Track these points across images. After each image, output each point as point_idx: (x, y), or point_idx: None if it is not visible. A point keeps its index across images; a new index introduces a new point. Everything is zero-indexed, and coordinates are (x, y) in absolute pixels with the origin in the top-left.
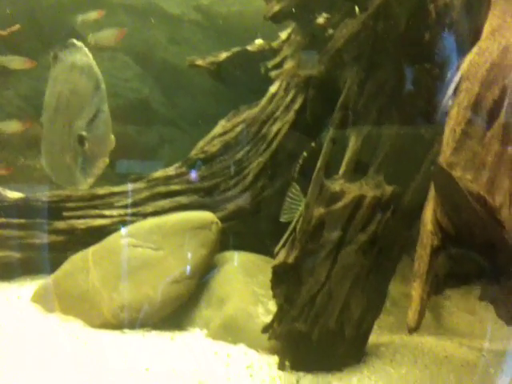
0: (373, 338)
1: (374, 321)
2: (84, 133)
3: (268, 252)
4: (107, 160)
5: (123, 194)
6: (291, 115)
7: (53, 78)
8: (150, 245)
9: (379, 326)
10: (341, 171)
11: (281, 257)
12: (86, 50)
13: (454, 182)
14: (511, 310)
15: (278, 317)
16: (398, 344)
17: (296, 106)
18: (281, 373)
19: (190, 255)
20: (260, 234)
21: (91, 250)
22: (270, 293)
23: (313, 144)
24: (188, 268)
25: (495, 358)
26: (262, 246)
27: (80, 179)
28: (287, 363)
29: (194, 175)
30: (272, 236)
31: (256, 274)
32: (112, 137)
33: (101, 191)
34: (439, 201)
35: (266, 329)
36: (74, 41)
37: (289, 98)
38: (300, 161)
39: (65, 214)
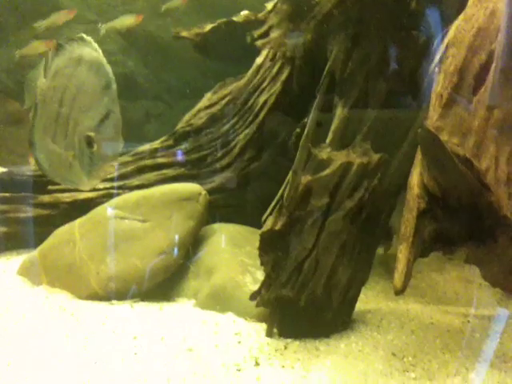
0: (360, 306)
1: (360, 287)
2: (93, 134)
3: (255, 224)
4: (115, 164)
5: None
6: (278, 86)
7: (54, 68)
8: (137, 217)
9: (366, 295)
10: (328, 140)
11: (268, 224)
12: (95, 45)
13: (441, 145)
14: (497, 273)
15: (266, 284)
16: (384, 311)
17: (283, 76)
18: (269, 339)
19: (177, 227)
20: (248, 207)
21: (77, 222)
22: (258, 263)
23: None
24: (176, 239)
25: (481, 324)
26: (249, 218)
27: (82, 180)
28: (275, 330)
29: (180, 155)
30: (260, 208)
31: (244, 244)
32: (121, 139)
33: None
34: (426, 164)
35: (254, 296)
36: (83, 35)
37: (275, 69)
38: (293, 137)
39: (50, 187)
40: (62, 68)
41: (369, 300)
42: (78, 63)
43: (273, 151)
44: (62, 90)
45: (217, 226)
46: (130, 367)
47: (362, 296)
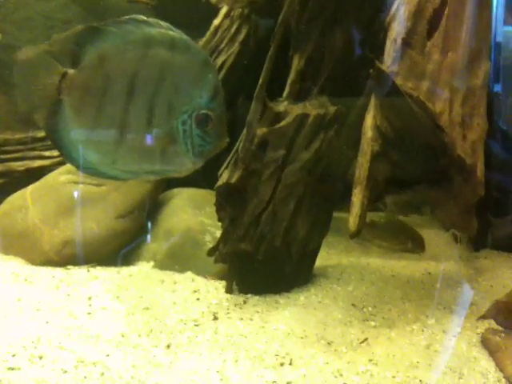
0: (321, 262)
1: (320, 241)
2: (208, 112)
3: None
4: (228, 139)
5: None
6: (236, 46)
7: (99, 55)
8: (92, 181)
9: (328, 253)
10: (284, 93)
11: (224, 177)
12: (166, 23)
13: (393, 84)
14: (453, 213)
15: (223, 239)
16: (345, 265)
17: (241, 37)
18: (228, 295)
19: (134, 190)
20: (209, 170)
21: (30, 188)
22: (218, 223)
23: None
24: (133, 202)
25: (442, 275)
26: (210, 181)
27: (187, 165)
28: (234, 286)
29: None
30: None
31: (204, 206)
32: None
33: (40, 134)
34: (379, 105)
35: (212, 251)
36: (142, 16)
37: (233, 30)
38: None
39: (2, 156)
40: (114, 53)
41: (331, 257)
42: (146, 44)
43: (232, 113)
44: (126, 77)
45: (177, 190)
46: (82, 326)
47: (323, 253)
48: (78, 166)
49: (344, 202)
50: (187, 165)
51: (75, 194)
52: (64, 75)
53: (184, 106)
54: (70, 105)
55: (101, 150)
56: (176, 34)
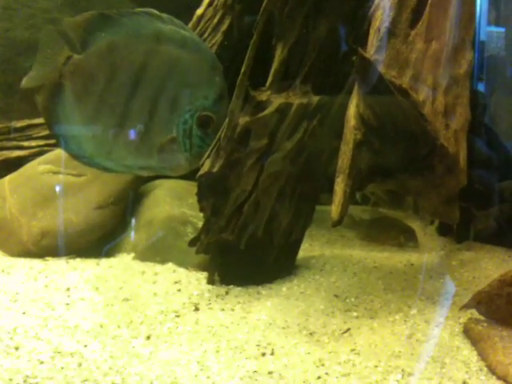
0: (304, 254)
1: (303, 232)
2: (211, 114)
3: None
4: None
5: (43, 125)
6: (219, 36)
7: (106, 43)
8: (71, 171)
9: (311, 245)
10: (267, 83)
11: (206, 167)
12: (179, 21)
13: (376, 72)
14: (435, 203)
15: (205, 228)
16: (328, 257)
17: (224, 26)
18: (210, 287)
19: (114, 180)
20: None
21: (7, 178)
22: (201, 215)
23: None
24: (113, 193)
25: (425, 266)
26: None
27: (182, 164)
28: (216, 277)
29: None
30: None
31: (186, 197)
32: None
33: (19, 124)
34: (362, 93)
35: (193, 242)
36: (155, 11)
37: (216, 20)
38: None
39: None
40: (124, 44)
41: (314, 249)
42: (156, 39)
43: None
44: (132, 69)
45: (158, 181)
46: (60, 317)
47: (306, 245)
48: (71, 154)
49: (327, 195)
50: (183, 164)
51: (55, 185)
52: (68, 59)
53: (187, 106)
54: (71, 90)
55: (97, 140)
56: (187, 33)
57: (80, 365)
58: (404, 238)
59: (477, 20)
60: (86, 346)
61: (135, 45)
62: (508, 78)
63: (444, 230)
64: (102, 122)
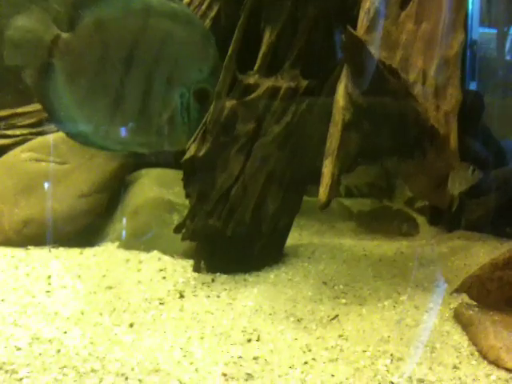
0: (293, 242)
1: (292, 218)
2: (208, 86)
3: None
4: None
5: (27, 114)
6: (207, 23)
7: (96, 20)
8: (55, 159)
9: (301, 234)
10: (256, 66)
11: (191, 151)
12: None
13: (365, 49)
14: (424, 186)
15: (191, 214)
16: (317, 245)
17: (212, 13)
18: (196, 274)
19: (99, 168)
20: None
21: None
22: (187, 203)
23: None
24: (97, 181)
25: (414, 254)
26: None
27: (181, 138)
28: (203, 265)
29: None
30: None
31: (173, 185)
32: None
33: (3, 113)
34: (350, 71)
35: (179, 228)
36: None
37: (204, 6)
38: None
39: None
40: (113, 20)
41: (303, 238)
42: (146, 14)
43: None
44: (123, 45)
45: (145, 170)
46: (40, 304)
47: (296, 235)
48: (67, 133)
49: (316, 186)
50: (182, 138)
51: (38, 173)
52: (57, 38)
53: (183, 79)
54: (62, 70)
55: (94, 118)
56: (177, 5)
57: (58, 351)
58: (407, 226)
59: (469, 21)
60: (65, 332)
61: (125, 20)
62: (500, 78)
63: (435, 220)
64: (96, 101)
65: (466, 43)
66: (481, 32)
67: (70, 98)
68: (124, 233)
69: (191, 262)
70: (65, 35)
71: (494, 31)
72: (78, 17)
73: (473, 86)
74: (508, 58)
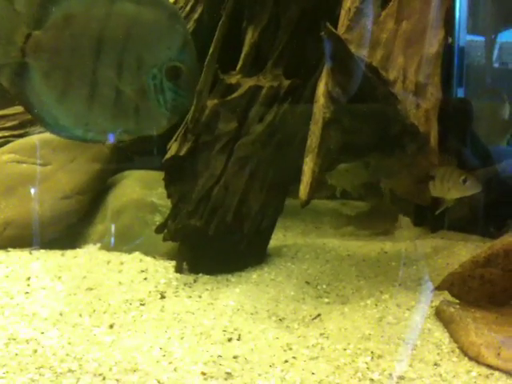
0: (277, 243)
1: (275, 219)
2: (178, 63)
3: None
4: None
5: (9, 116)
6: (191, 25)
7: (63, 14)
8: (37, 160)
9: (285, 235)
10: (238, 66)
11: (172, 150)
12: None
13: (344, 46)
14: (406, 183)
15: (173, 214)
16: (300, 245)
17: (196, 15)
18: (178, 275)
19: (81, 170)
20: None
21: None
22: (170, 204)
23: None
24: (79, 183)
25: (398, 254)
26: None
27: (161, 121)
28: (185, 266)
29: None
30: None
31: (156, 187)
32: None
33: None
34: (330, 69)
35: (160, 228)
36: None
37: (188, 8)
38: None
39: None
40: (80, 12)
41: (287, 239)
42: (111, 2)
43: None
44: (92, 35)
45: (128, 172)
46: (18, 305)
47: (280, 235)
48: (50, 130)
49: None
50: (161, 121)
51: (19, 174)
52: (28, 37)
53: (153, 60)
54: (37, 68)
55: (73, 111)
56: None
57: (35, 351)
58: (401, 222)
59: (456, 28)
60: (42, 332)
61: (91, 10)
62: (487, 85)
63: (419, 220)
64: (74, 94)
65: (453, 50)
66: (468, 40)
67: (49, 94)
68: (112, 240)
69: (173, 263)
70: (36, 33)
71: (482, 39)
72: (46, 13)
73: (460, 93)
74: (496, 65)
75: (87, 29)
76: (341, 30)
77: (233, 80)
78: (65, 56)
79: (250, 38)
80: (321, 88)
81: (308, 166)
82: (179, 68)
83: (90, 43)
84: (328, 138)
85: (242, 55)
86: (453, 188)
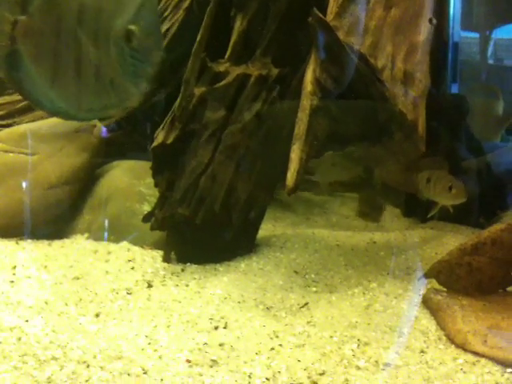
0: (266, 233)
1: (263, 209)
2: (130, 26)
3: None
4: (163, 54)
5: None
6: (180, 14)
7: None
8: (24, 150)
9: (274, 226)
10: (227, 54)
11: (159, 138)
12: None
13: (331, 31)
14: (393, 171)
15: (160, 203)
16: (289, 235)
17: (185, 4)
18: (165, 264)
19: (69, 159)
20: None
21: None
22: (158, 194)
23: None
24: (67, 172)
25: (387, 244)
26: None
27: (131, 90)
28: (173, 255)
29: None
30: None
31: (144, 176)
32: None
33: None
34: (317, 55)
35: (147, 217)
36: None
37: None
38: None
39: None
40: None
41: (277, 229)
42: None
43: (175, 84)
44: (71, 14)
45: (116, 162)
46: (2, 294)
47: (269, 226)
48: (50, 113)
49: None
50: (132, 90)
51: (5, 164)
52: (15, 23)
53: (111, 27)
54: (28, 53)
55: (65, 92)
56: None
57: (19, 339)
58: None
59: (451, 24)
60: (27, 321)
61: None
62: (482, 81)
63: (409, 211)
64: (62, 74)
65: (447, 46)
66: (463, 36)
67: (42, 78)
68: (106, 234)
69: (161, 252)
70: (22, 18)
71: (476, 35)
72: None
73: (455, 89)
74: (490, 61)
75: (67, 7)
76: (329, 17)
77: (221, 68)
78: (52, 38)
79: (238, 25)
80: (308, 75)
81: (295, 153)
82: (130, 31)
83: (71, 22)
84: (315, 126)
85: (231, 43)
86: (439, 195)
